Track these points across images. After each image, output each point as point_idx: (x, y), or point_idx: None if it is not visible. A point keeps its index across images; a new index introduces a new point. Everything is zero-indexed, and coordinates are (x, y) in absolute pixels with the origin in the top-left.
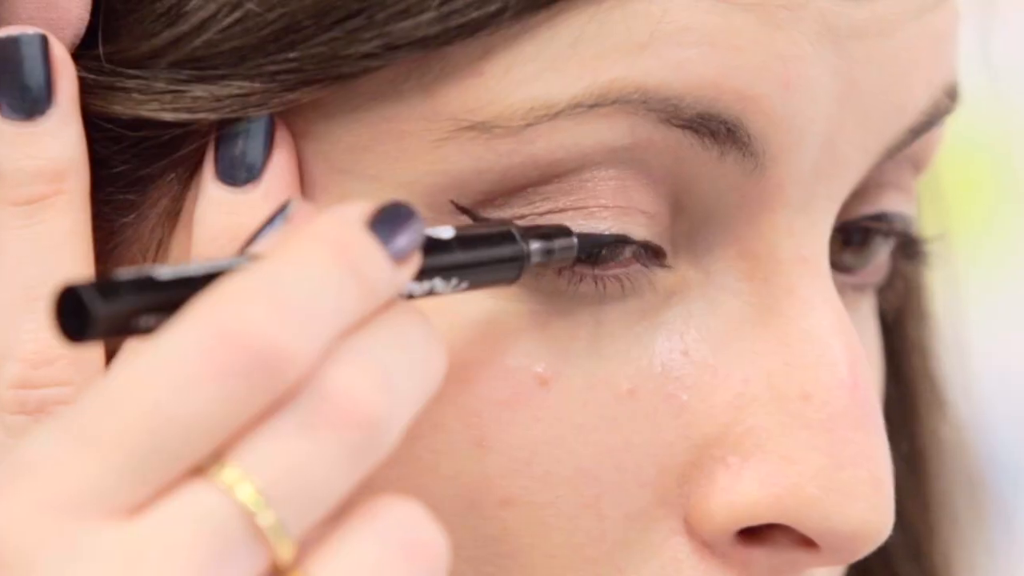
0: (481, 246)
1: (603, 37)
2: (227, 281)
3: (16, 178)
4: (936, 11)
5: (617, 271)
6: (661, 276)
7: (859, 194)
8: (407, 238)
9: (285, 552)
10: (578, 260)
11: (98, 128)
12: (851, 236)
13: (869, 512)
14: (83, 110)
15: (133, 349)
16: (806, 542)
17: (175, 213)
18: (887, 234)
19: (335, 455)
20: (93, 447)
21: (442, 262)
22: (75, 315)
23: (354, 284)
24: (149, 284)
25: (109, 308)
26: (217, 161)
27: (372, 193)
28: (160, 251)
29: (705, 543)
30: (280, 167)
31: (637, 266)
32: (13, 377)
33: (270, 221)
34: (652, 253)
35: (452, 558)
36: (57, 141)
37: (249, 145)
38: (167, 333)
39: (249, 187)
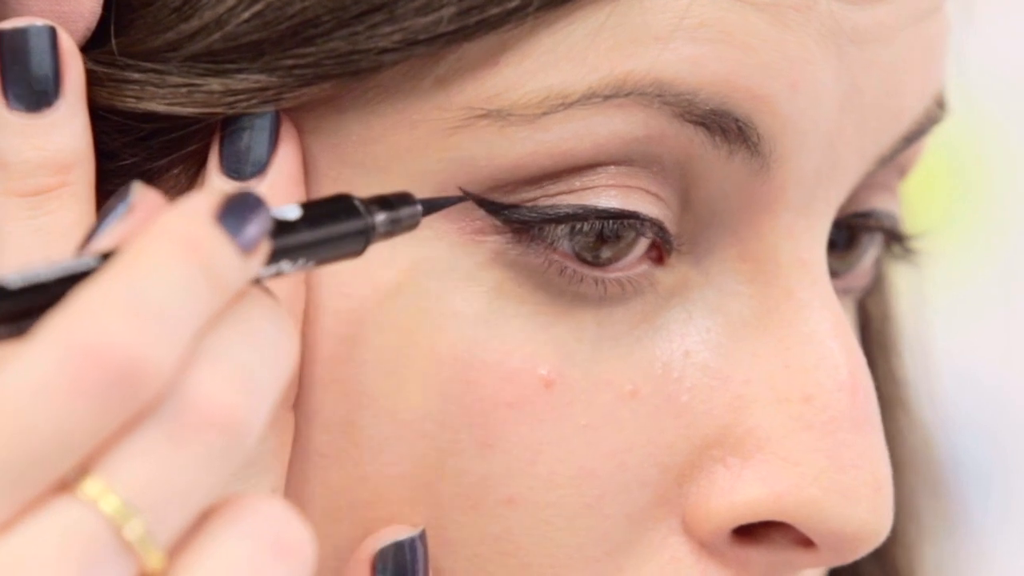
0: (327, 223)
1: (621, 30)
2: (82, 290)
3: (22, 169)
4: (931, 19)
5: (618, 274)
6: (662, 277)
7: (849, 196)
8: (256, 227)
9: (154, 561)
10: (593, 241)
11: (108, 121)
12: (837, 240)
13: (869, 514)
14: (93, 103)
15: None
16: (804, 542)
17: None
18: (873, 231)
19: (200, 460)
20: None
21: (289, 243)
22: None
23: (206, 282)
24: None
25: None
26: (222, 155)
27: (380, 185)
28: None
29: (703, 543)
30: (285, 161)
31: (640, 268)
32: None
33: (112, 209)
34: (662, 237)
35: (455, 556)
36: (64, 133)
37: (255, 139)
38: (25, 349)
39: (254, 181)
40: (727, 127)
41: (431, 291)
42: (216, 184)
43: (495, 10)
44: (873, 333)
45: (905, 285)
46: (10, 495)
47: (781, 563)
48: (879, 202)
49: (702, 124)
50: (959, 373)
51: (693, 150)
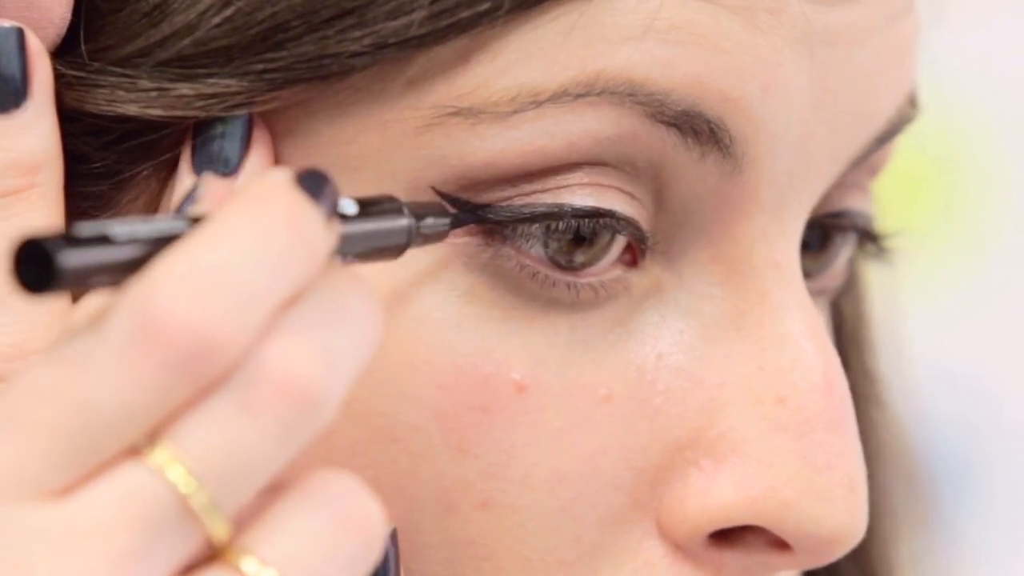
0: (376, 220)
1: (592, 29)
2: (164, 258)
3: None
4: (902, 20)
5: (591, 279)
6: (635, 280)
7: (822, 196)
8: (330, 199)
9: (219, 531)
10: (567, 244)
11: (78, 123)
12: (810, 240)
13: (844, 515)
14: (64, 105)
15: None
16: (779, 544)
17: (153, 210)
18: (847, 230)
19: (270, 432)
20: (20, 431)
21: (345, 233)
22: (37, 267)
23: (299, 247)
24: (105, 240)
25: (74, 260)
26: (194, 158)
27: (352, 185)
28: None
29: (678, 546)
30: (257, 164)
31: (613, 273)
32: None
33: (185, 199)
34: (637, 236)
35: (428, 560)
36: (32, 134)
37: (226, 143)
38: (101, 320)
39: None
40: (699, 129)
41: (403, 296)
42: (187, 187)
43: (466, 13)
44: (847, 332)
45: (879, 283)
46: (77, 460)
47: (757, 566)
48: (852, 201)
49: (674, 125)
50: (933, 370)
51: (666, 151)
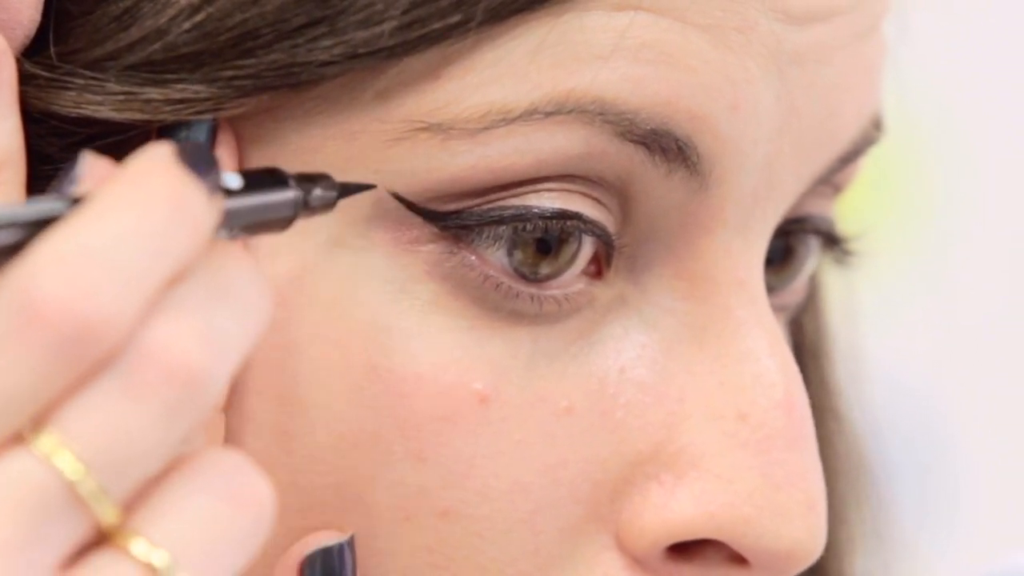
0: (261, 192)
1: (562, 48)
2: (45, 240)
3: None
4: (868, 39)
5: (555, 292)
6: (599, 293)
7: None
8: (212, 175)
9: (108, 516)
10: (532, 255)
11: (44, 124)
12: (773, 254)
13: (803, 532)
14: (30, 106)
15: None
16: (737, 559)
17: None
18: (808, 234)
19: (157, 415)
20: None
21: (229, 207)
22: None
23: (181, 225)
24: None
25: None
26: None
27: None
28: None
29: (636, 559)
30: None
31: (576, 286)
32: None
33: (66, 173)
34: (605, 241)
35: (386, 567)
36: None
37: None
38: None
39: None
40: (667, 147)
41: (366, 303)
42: None
43: (437, 25)
44: (808, 345)
45: (837, 294)
46: None
47: None
48: (814, 207)
49: (643, 143)
50: (889, 381)
51: (633, 168)
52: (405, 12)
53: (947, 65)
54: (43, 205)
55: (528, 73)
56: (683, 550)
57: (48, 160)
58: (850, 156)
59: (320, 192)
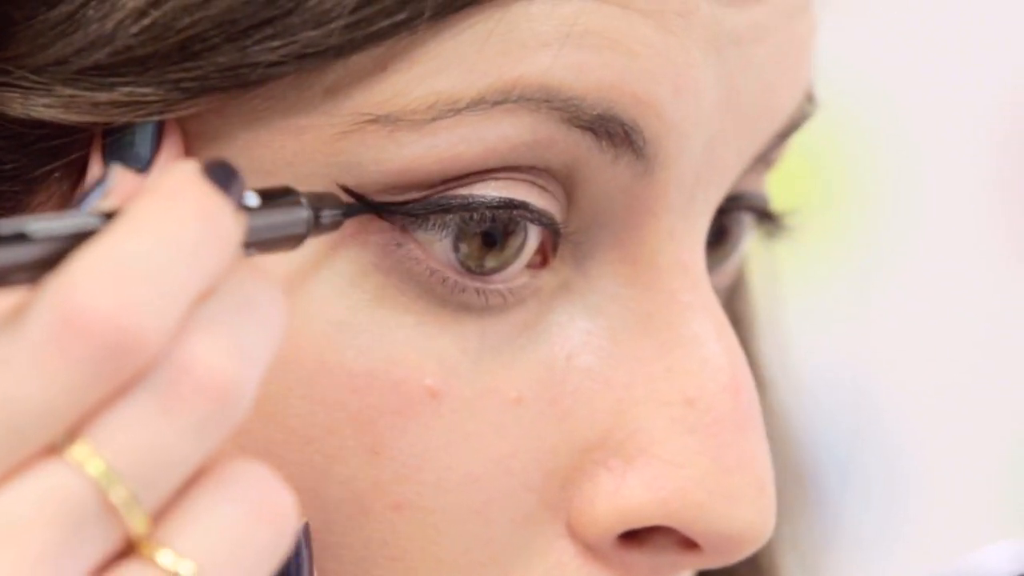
0: (275, 211)
1: (509, 37)
2: (82, 254)
3: None
4: (800, 18)
5: (500, 286)
6: (544, 282)
7: None
8: (237, 191)
9: (138, 525)
10: (478, 248)
11: None
12: (707, 236)
13: (754, 515)
14: None
15: None
16: (688, 544)
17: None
18: (742, 212)
19: (189, 427)
20: None
21: (249, 225)
22: None
23: (212, 239)
24: (23, 238)
25: None
26: (105, 158)
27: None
28: None
29: (588, 546)
30: (168, 163)
31: (521, 280)
32: None
33: (94, 189)
34: (552, 229)
35: (341, 560)
36: None
37: (137, 145)
38: (18, 317)
39: None
40: (614, 132)
41: (316, 297)
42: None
43: (385, 22)
44: (740, 333)
45: (762, 282)
46: None
47: (666, 565)
48: (748, 184)
49: (590, 129)
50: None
51: (580, 154)
52: (353, 11)
53: (869, 52)
54: (78, 219)
55: (475, 63)
56: (634, 536)
57: None
58: (787, 131)
59: (328, 212)
